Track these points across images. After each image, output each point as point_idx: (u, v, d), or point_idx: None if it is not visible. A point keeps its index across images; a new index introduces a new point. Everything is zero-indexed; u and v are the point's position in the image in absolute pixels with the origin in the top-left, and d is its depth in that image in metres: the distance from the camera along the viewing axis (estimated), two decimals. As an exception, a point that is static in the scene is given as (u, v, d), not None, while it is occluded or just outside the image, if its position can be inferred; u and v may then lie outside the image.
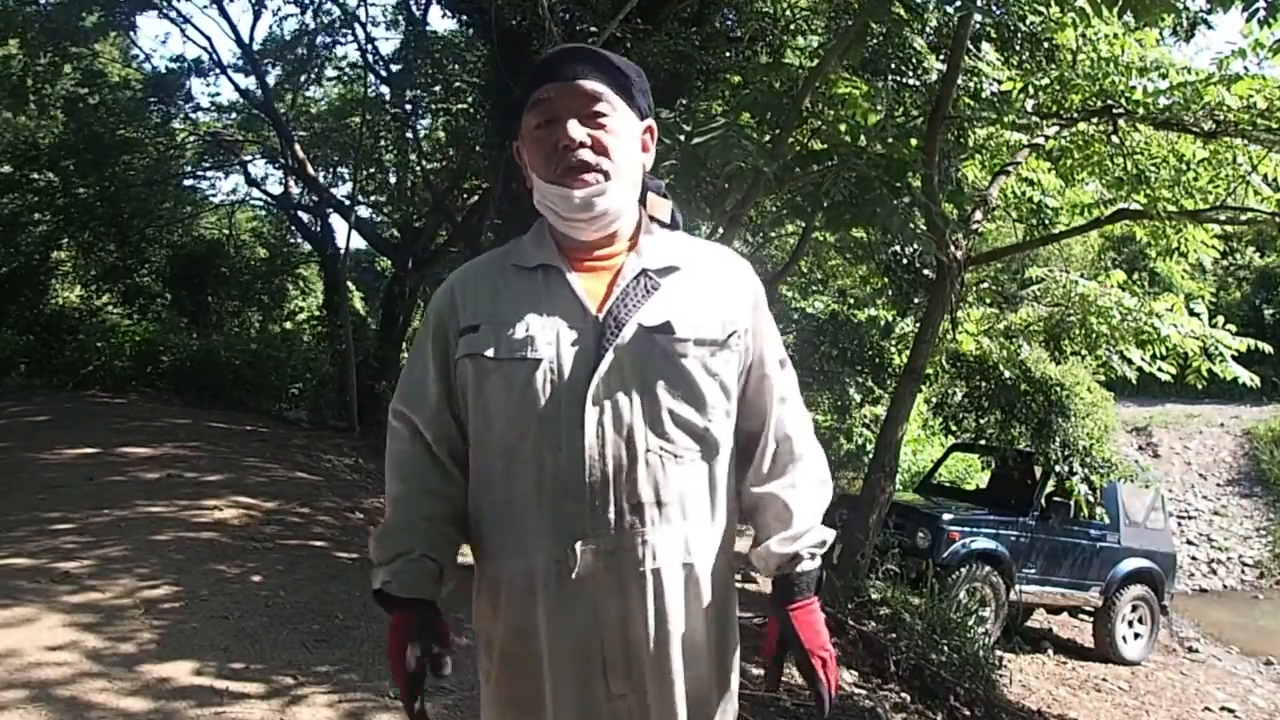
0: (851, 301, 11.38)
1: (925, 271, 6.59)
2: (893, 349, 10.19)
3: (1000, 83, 5.79)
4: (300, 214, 14.55)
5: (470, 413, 1.37)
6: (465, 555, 1.44)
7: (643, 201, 1.45)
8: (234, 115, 14.55)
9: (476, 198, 12.24)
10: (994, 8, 5.37)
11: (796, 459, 1.44)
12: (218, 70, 13.05)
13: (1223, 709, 7.51)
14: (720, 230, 5.21)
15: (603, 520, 1.30)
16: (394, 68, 12.16)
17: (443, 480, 1.41)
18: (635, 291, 1.35)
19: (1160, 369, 7.06)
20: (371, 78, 12.48)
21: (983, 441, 9.51)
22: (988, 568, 7.43)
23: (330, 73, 14.13)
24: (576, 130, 1.33)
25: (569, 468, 1.30)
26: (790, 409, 1.46)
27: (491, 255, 1.48)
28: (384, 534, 1.40)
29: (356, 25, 12.21)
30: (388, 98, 12.64)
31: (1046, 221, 7.41)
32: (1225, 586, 13.16)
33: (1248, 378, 6.44)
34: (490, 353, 1.33)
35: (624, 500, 1.30)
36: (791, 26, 6.85)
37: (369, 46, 12.24)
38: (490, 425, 1.35)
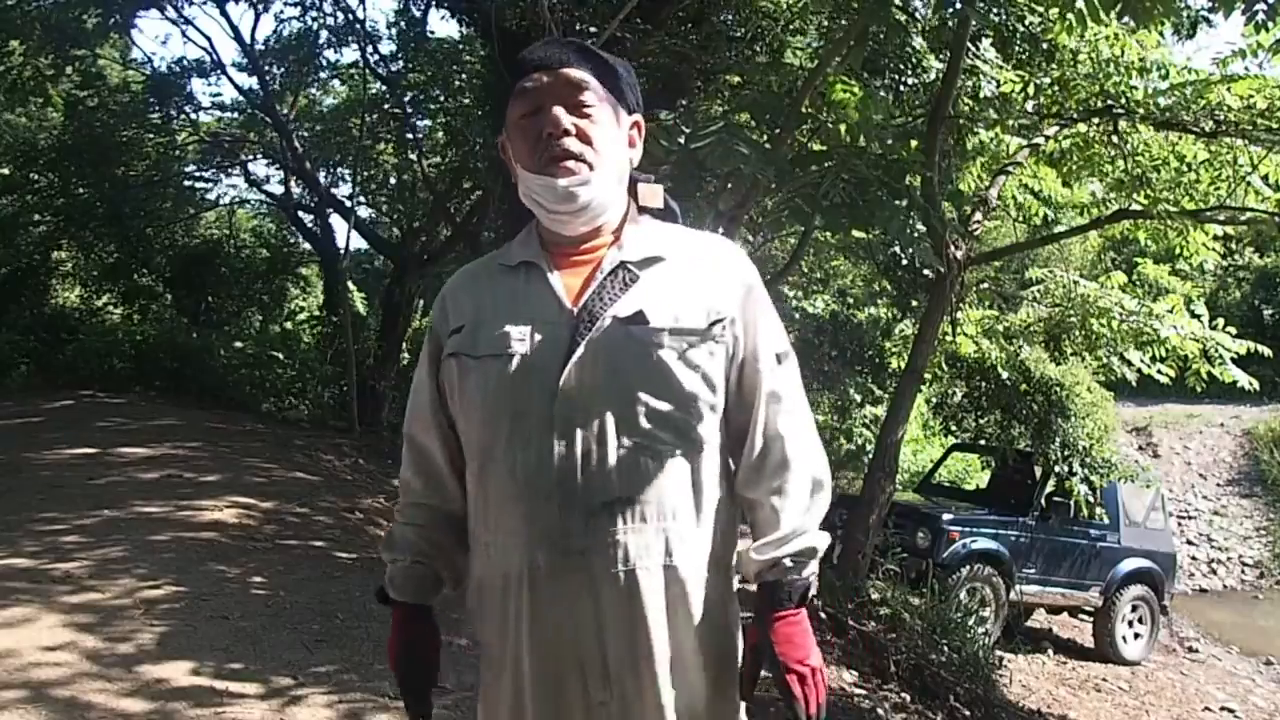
0: (851, 301, 11.39)
1: (925, 272, 6.59)
2: (893, 349, 10.18)
3: (999, 85, 5.79)
4: (300, 214, 14.53)
5: (457, 414, 1.38)
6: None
7: (632, 194, 1.42)
8: (235, 115, 14.54)
9: (476, 198, 12.24)
10: (994, 9, 5.36)
11: (788, 461, 1.35)
12: (219, 71, 13.06)
13: (1223, 709, 7.51)
14: (720, 230, 5.21)
15: (572, 520, 1.26)
16: (394, 68, 12.16)
17: (432, 492, 1.44)
18: (612, 284, 1.32)
19: (1159, 371, 7.06)
20: (371, 77, 12.47)
21: (983, 441, 9.51)
22: (988, 568, 7.43)
23: (331, 73, 14.13)
24: (562, 117, 1.30)
25: (538, 466, 1.27)
26: (784, 406, 1.37)
27: (483, 259, 1.48)
28: (386, 541, 1.48)
29: (357, 26, 12.21)
30: (388, 98, 12.63)
31: (1047, 221, 7.41)
32: (1225, 586, 13.15)
33: (1246, 381, 6.45)
34: (470, 351, 1.33)
35: (594, 499, 1.26)
36: (791, 26, 6.85)
37: (369, 47, 12.22)
38: (470, 424, 1.34)
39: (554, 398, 1.27)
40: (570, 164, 1.30)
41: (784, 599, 1.31)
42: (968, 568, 7.30)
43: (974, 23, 5.31)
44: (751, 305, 1.38)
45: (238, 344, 12.26)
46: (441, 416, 1.41)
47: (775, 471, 1.35)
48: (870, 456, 6.94)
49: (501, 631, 1.32)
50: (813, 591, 1.35)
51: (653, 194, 1.43)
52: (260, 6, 11.80)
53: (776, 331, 1.41)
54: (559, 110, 1.31)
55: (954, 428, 9.88)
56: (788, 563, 1.32)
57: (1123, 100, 5.45)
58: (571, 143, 1.31)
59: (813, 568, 1.35)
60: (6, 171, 12.72)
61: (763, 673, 1.34)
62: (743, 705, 1.37)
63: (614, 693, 1.28)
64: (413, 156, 13.13)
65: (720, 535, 1.35)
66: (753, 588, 1.37)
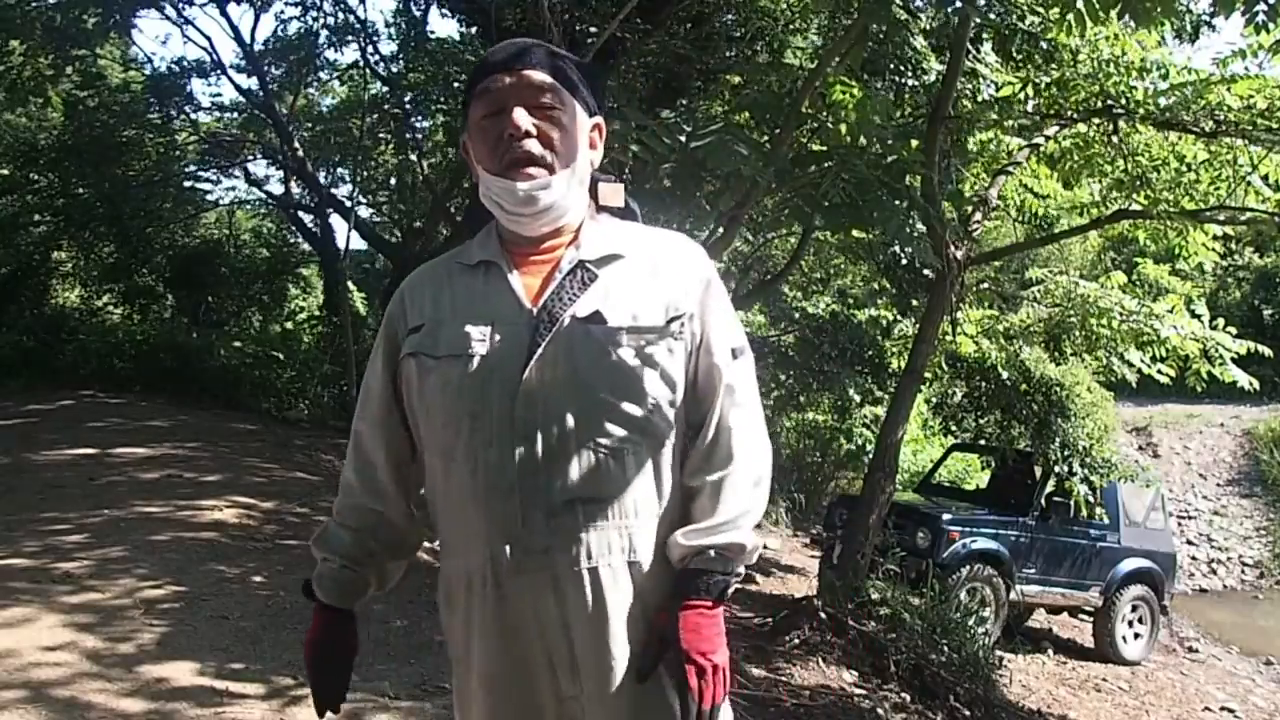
0: (851, 301, 11.37)
1: (925, 272, 6.59)
2: (893, 349, 10.18)
3: (999, 86, 5.79)
4: (300, 214, 14.53)
5: (415, 414, 1.37)
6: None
7: (594, 194, 1.42)
8: (235, 115, 14.54)
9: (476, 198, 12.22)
10: (994, 9, 5.36)
11: (734, 453, 1.34)
12: (218, 71, 13.05)
13: (1223, 709, 7.51)
14: (720, 230, 5.21)
15: (533, 518, 1.27)
16: (394, 68, 12.16)
17: (372, 497, 1.43)
18: (571, 284, 1.32)
19: (1160, 371, 7.06)
20: (371, 77, 12.47)
21: (983, 441, 9.51)
22: (988, 568, 7.43)
23: (331, 74, 14.13)
24: (523, 119, 1.30)
25: (498, 465, 1.27)
26: (736, 400, 1.36)
27: (442, 257, 1.46)
28: (319, 536, 1.47)
29: (357, 25, 12.20)
30: (388, 98, 12.63)
31: (1046, 223, 7.42)
32: (1225, 586, 13.15)
33: (1247, 381, 6.44)
34: (430, 351, 1.33)
35: (555, 497, 1.27)
36: (791, 26, 6.85)
37: (369, 47, 12.22)
38: (431, 425, 1.34)
39: (515, 398, 1.27)
40: (531, 169, 1.31)
41: (701, 589, 1.29)
42: (968, 568, 7.30)
43: (974, 23, 5.31)
44: (710, 301, 1.38)
45: (238, 344, 12.25)
46: (394, 415, 1.41)
47: (721, 463, 1.34)
48: (870, 456, 6.94)
49: (466, 629, 1.34)
50: (731, 593, 1.33)
51: (614, 193, 1.44)
52: (260, 6, 11.79)
53: (734, 327, 1.41)
54: (520, 112, 1.31)
55: (954, 428, 9.87)
56: (712, 554, 1.30)
57: (1123, 100, 5.44)
58: (532, 145, 1.31)
59: (737, 567, 1.33)
60: (6, 172, 12.72)
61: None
62: (726, 701, 1.33)
63: (583, 686, 1.29)
64: (413, 156, 13.13)
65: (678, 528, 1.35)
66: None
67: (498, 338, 1.30)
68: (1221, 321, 6.75)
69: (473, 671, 1.34)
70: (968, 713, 4.76)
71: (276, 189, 15.06)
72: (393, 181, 14.76)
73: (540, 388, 1.27)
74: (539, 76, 1.32)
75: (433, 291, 1.39)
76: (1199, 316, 6.73)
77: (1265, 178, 5.70)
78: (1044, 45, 5.57)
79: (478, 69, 1.37)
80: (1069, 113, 5.74)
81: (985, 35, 5.67)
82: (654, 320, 1.32)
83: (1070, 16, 3.93)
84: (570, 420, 1.27)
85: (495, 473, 1.28)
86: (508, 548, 1.27)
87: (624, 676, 1.29)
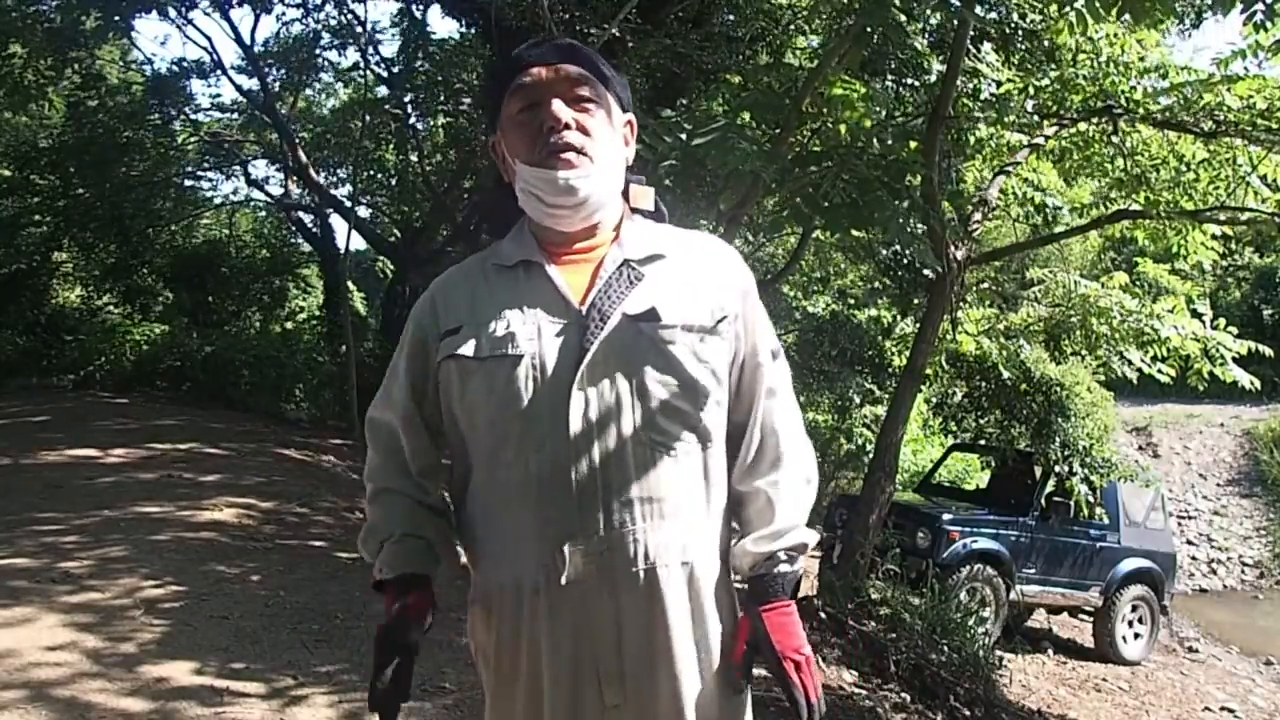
0: (851, 301, 11.39)
1: (925, 271, 6.58)
2: (893, 349, 10.19)
3: (999, 84, 5.79)
4: (301, 214, 14.54)
5: (456, 417, 1.33)
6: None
7: (625, 194, 1.41)
8: (235, 116, 14.55)
9: (476, 198, 12.24)
10: (993, 11, 5.36)
11: (782, 455, 1.36)
12: (218, 71, 13.06)
13: (1223, 709, 7.51)
14: (720, 230, 5.21)
15: (591, 520, 1.25)
16: (395, 69, 12.16)
17: (414, 485, 1.39)
18: (618, 282, 1.30)
19: (1160, 370, 7.06)
20: (372, 78, 12.48)
21: (983, 441, 9.51)
22: (988, 568, 7.43)
23: (331, 75, 14.14)
24: (563, 110, 1.29)
25: (552, 467, 1.24)
26: (779, 402, 1.39)
27: (472, 259, 1.43)
28: (365, 534, 1.39)
29: (358, 27, 12.21)
30: (388, 99, 12.64)
31: (1047, 221, 7.41)
32: (1225, 586, 13.16)
33: (1247, 381, 6.44)
34: (471, 352, 1.28)
35: (613, 497, 1.25)
36: (792, 27, 6.86)
37: (370, 48, 12.23)
38: (474, 428, 1.30)
39: (567, 397, 1.24)
40: (570, 156, 1.29)
41: (778, 590, 1.32)
42: (968, 568, 7.30)
43: (974, 24, 5.30)
44: (751, 304, 1.39)
45: (237, 344, 12.26)
46: (416, 419, 1.37)
47: (771, 466, 1.36)
48: (870, 456, 6.94)
49: (514, 640, 1.29)
50: (801, 584, 1.37)
51: (644, 195, 1.43)
52: (260, 9, 11.79)
53: (770, 329, 1.43)
54: (559, 103, 1.30)
55: (954, 428, 9.88)
56: (782, 555, 1.33)
57: (1123, 100, 5.44)
58: (572, 135, 1.29)
59: (802, 561, 1.37)
60: (8, 172, 12.73)
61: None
62: (749, 699, 1.36)
63: (628, 695, 1.27)
64: (413, 157, 13.13)
65: (725, 529, 1.36)
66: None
67: (545, 336, 1.27)
68: (1222, 321, 6.75)
69: (518, 683, 1.30)
70: (968, 713, 4.76)
71: (276, 189, 15.09)
72: (393, 181, 14.76)
73: (593, 387, 1.25)
74: (575, 70, 1.32)
75: (468, 292, 1.35)
76: (1200, 316, 6.72)
77: (1265, 178, 5.70)
78: (1044, 45, 5.58)
79: (510, 65, 1.35)
80: (1069, 113, 5.74)
81: (990, 33, 5.67)
82: (703, 320, 1.31)
83: (1070, 15, 3.93)
84: (625, 419, 1.26)
85: (549, 474, 1.25)
86: (564, 551, 1.24)
87: (684, 684, 1.27)
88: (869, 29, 4.43)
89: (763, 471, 1.36)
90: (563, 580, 1.25)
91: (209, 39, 33.68)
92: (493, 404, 1.28)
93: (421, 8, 11.62)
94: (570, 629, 1.26)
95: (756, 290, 1.42)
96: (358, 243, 14.95)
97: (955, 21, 5.33)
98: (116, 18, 9.54)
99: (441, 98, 11.54)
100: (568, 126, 1.29)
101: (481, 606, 1.34)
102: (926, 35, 5.65)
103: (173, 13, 11.08)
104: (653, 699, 1.27)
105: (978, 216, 6.47)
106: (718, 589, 1.32)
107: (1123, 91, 5.41)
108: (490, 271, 1.37)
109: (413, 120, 12.74)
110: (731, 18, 7.43)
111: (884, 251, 7.60)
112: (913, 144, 5.45)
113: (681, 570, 1.29)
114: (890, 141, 5.02)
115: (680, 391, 1.29)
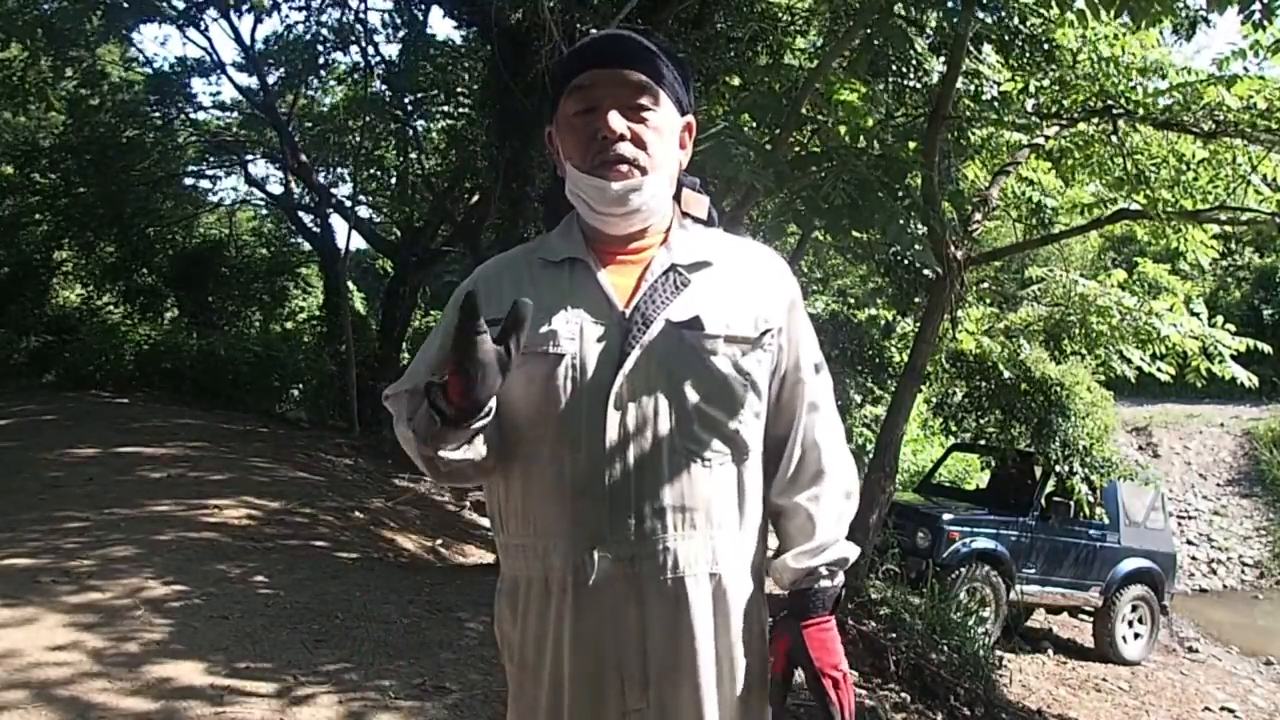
0: (851, 301, 11.39)
1: (925, 271, 6.59)
2: (893, 349, 10.19)
3: (999, 85, 5.79)
4: (301, 214, 14.55)
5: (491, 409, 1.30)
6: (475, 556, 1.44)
7: (677, 198, 1.39)
8: (235, 115, 14.56)
9: (477, 198, 12.25)
10: (994, 10, 5.36)
11: (824, 469, 1.36)
12: (219, 71, 13.07)
13: (1223, 709, 7.52)
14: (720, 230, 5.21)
15: (622, 525, 1.24)
16: (395, 70, 12.16)
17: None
18: (664, 287, 1.29)
19: (1159, 369, 7.07)
20: (373, 79, 12.49)
21: (983, 441, 9.52)
22: (988, 568, 7.44)
23: (332, 76, 14.13)
24: (617, 122, 1.27)
25: (588, 468, 1.24)
26: (821, 416, 1.38)
27: (518, 250, 1.42)
28: (402, 406, 1.31)
29: (359, 27, 12.22)
30: (388, 99, 12.64)
31: (1047, 221, 7.42)
32: (1225, 586, 13.16)
33: (1246, 378, 6.45)
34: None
35: (645, 504, 1.24)
36: (792, 28, 6.86)
37: (370, 48, 12.23)
38: (512, 423, 1.28)
39: (606, 400, 1.24)
40: (623, 168, 1.27)
41: (818, 606, 1.32)
42: (968, 568, 7.32)
43: (974, 24, 5.30)
44: (796, 316, 1.38)
45: (238, 344, 12.27)
46: None
47: (812, 480, 1.36)
48: (870, 456, 6.95)
49: (540, 634, 1.29)
50: (841, 599, 1.36)
51: (697, 203, 1.40)
52: (261, 12, 11.79)
53: (814, 341, 1.41)
54: (614, 115, 1.27)
55: (954, 428, 9.88)
56: (823, 571, 1.33)
57: (1122, 100, 5.45)
58: (626, 148, 1.27)
59: (842, 577, 1.37)
60: (10, 170, 12.74)
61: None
62: (770, 713, 1.35)
63: (651, 700, 1.26)
64: (413, 156, 13.14)
65: (758, 543, 1.35)
66: (777, 590, 1.36)
67: (587, 337, 1.26)
68: (1220, 320, 6.76)
69: (541, 679, 1.30)
70: (968, 712, 4.77)
71: (277, 189, 15.10)
72: (393, 181, 14.77)
73: (632, 391, 1.24)
74: (635, 76, 1.29)
75: (512, 285, 1.32)
76: (1197, 315, 6.73)
77: (1265, 178, 5.70)
78: (1044, 45, 5.58)
79: (570, 59, 1.34)
80: (1069, 113, 5.75)
81: (989, 34, 5.66)
82: (746, 331, 1.30)
83: (1071, 14, 3.93)
84: (663, 426, 1.25)
85: (583, 476, 1.24)
86: (594, 554, 1.24)
87: (706, 695, 1.27)
88: (872, 38, 4.44)
89: (803, 486, 1.36)
90: (590, 583, 1.24)
91: (209, 38, 33.59)
92: (530, 401, 1.27)
93: (421, 7, 11.61)
94: (595, 631, 1.26)
95: (803, 301, 1.41)
96: (358, 242, 14.95)
97: (954, 20, 5.33)
98: (119, 22, 9.56)
99: (441, 97, 11.55)
100: (622, 138, 1.27)
101: (509, 598, 1.34)
102: (926, 36, 5.64)
103: (171, 11, 11.10)
104: (675, 706, 1.27)
105: (978, 217, 6.48)
106: (748, 603, 1.31)
107: (1122, 91, 5.41)
108: (536, 265, 1.35)
109: (413, 120, 12.75)
110: (731, 20, 7.42)
111: (884, 253, 7.60)
112: (912, 144, 5.46)
113: (709, 581, 1.28)
114: (890, 141, 5.02)
115: (719, 402, 1.28)
